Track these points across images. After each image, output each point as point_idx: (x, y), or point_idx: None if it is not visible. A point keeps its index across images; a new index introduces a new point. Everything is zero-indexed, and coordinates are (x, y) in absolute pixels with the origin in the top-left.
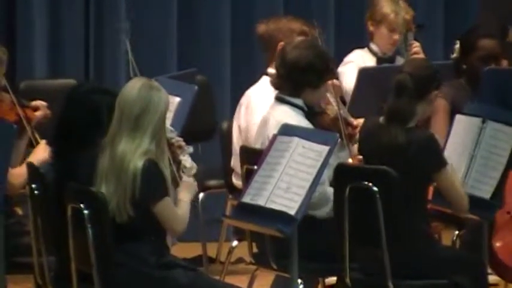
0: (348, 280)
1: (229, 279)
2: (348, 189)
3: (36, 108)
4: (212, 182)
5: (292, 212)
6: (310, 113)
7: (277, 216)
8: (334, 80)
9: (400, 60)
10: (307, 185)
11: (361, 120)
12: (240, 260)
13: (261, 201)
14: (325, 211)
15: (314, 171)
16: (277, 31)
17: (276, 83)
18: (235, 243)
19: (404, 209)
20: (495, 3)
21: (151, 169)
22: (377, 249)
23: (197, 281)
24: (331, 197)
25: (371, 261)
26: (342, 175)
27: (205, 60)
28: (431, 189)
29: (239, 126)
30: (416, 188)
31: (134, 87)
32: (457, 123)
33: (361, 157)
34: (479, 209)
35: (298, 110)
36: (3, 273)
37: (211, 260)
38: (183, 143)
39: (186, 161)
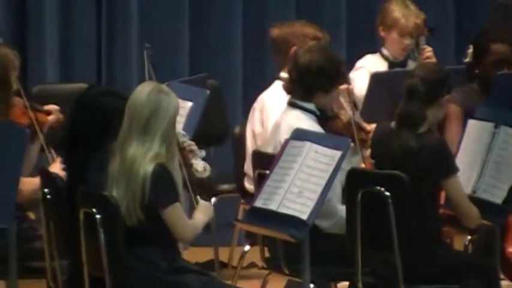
0: (360, 285)
1: (241, 284)
2: (360, 194)
3: (49, 113)
4: (224, 187)
5: (304, 217)
6: (322, 117)
7: (289, 221)
8: (348, 85)
9: (411, 65)
10: (320, 189)
11: (374, 126)
12: (252, 265)
13: (273, 206)
14: (329, 223)
15: (326, 176)
16: (290, 35)
17: (288, 87)
18: (247, 247)
19: (416, 213)
20: (506, 8)
21: (161, 174)
22: (389, 253)
23: (209, 286)
24: (340, 213)
25: (383, 266)
26: (354, 180)
27: (216, 65)
28: (443, 194)
29: (253, 131)
30: (428, 193)
31: (144, 91)
32: (469, 128)
33: (372, 160)
34: (491, 214)
35: (311, 115)
36: (16, 278)
37: (223, 265)
38: (195, 147)
39: (198, 165)
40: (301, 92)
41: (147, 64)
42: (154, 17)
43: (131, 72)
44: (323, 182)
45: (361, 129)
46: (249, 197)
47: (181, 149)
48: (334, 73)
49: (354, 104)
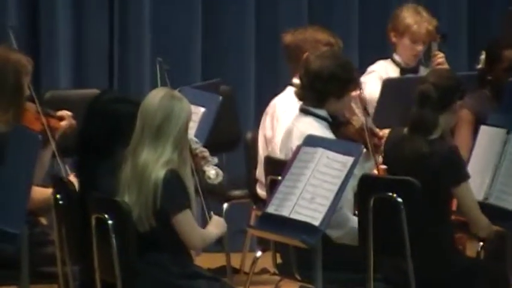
0: None
1: None
2: (372, 200)
3: (61, 118)
4: (236, 192)
5: (317, 223)
6: (334, 123)
7: (301, 227)
8: (360, 91)
9: (423, 71)
10: (332, 195)
11: (386, 131)
12: (264, 271)
13: (285, 212)
14: (339, 232)
15: (339, 182)
16: (303, 41)
17: (300, 94)
18: (259, 253)
19: (429, 219)
20: None
21: (173, 180)
22: (401, 259)
23: None
24: (351, 223)
25: (395, 272)
26: (367, 186)
27: (229, 70)
28: (455, 200)
29: (264, 136)
30: (440, 199)
31: (156, 97)
32: (481, 134)
33: (385, 166)
34: (503, 220)
35: (323, 122)
36: (28, 283)
37: (235, 271)
38: (207, 154)
39: (210, 171)
40: (313, 98)
41: (160, 77)
42: (167, 22)
43: (143, 77)
44: (335, 188)
45: (373, 134)
46: (261, 202)
47: (194, 156)
48: (346, 79)
49: (365, 110)
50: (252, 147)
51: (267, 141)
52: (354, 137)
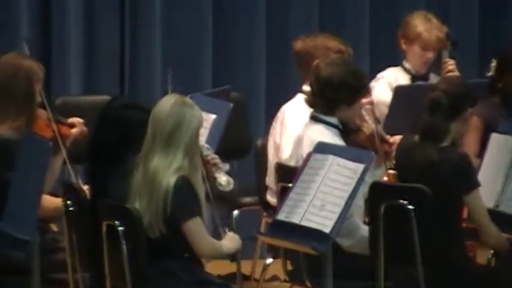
0: None
1: None
2: (383, 207)
3: (72, 125)
4: (247, 199)
5: (327, 230)
6: (345, 130)
7: (311, 234)
8: (370, 98)
9: (434, 78)
10: (342, 203)
11: (397, 138)
12: (274, 278)
13: (295, 219)
14: (350, 241)
15: (349, 189)
16: (314, 48)
17: (310, 101)
18: (269, 260)
19: (439, 227)
20: None
21: (184, 187)
22: (412, 267)
23: None
24: (362, 232)
25: (406, 280)
26: (377, 193)
27: (240, 77)
28: (466, 208)
29: (274, 143)
30: (451, 206)
31: (167, 103)
32: (492, 142)
33: (393, 171)
34: None
35: (333, 129)
36: None
37: (246, 278)
38: (218, 161)
39: (221, 178)
40: (323, 105)
41: (171, 90)
42: (178, 28)
43: (154, 84)
44: (346, 196)
45: (384, 141)
46: (271, 210)
47: (205, 162)
48: (356, 86)
49: (376, 116)
50: (262, 154)
51: (276, 148)
52: (364, 144)
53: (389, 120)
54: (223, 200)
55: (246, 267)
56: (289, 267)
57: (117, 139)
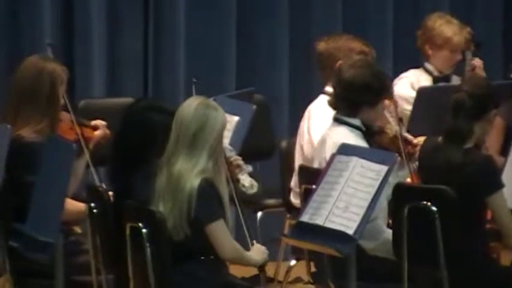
0: None
1: None
2: (406, 209)
3: (95, 128)
4: (270, 201)
5: (351, 232)
6: (368, 132)
7: (335, 236)
8: (393, 99)
9: (456, 79)
10: (366, 204)
11: (421, 139)
12: (298, 280)
13: (319, 221)
14: (373, 244)
15: (373, 191)
16: (336, 50)
17: (333, 103)
18: (293, 262)
19: (463, 228)
20: None
21: (207, 189)
22: (435, 269)
23: None
24: (385, 235)
25: (429, 281)
26: (401, 194)
27: (263, 79)
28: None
29: (301, 146)
30: (474, 208)
31: (191, 106)
32: None
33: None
34: None
35: (356, 131)
36: None
37: (270, 280)
38: (241, 162)
39: (245, 180)
40: (346, 107)
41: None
42: (201, 31)
43: (178, 86)
44: (369, 197)
45: (407, 142)
46: (295, 211)
47: (228, 164)
48: (379, 87)
49: (399, 118)
50: (286, 156)
51: (303, 147)
52: (387, 145)
53: (413, 122)
54: (247, 202)
55: (269, 269)
56: (313, 269)
57: (141, 141)
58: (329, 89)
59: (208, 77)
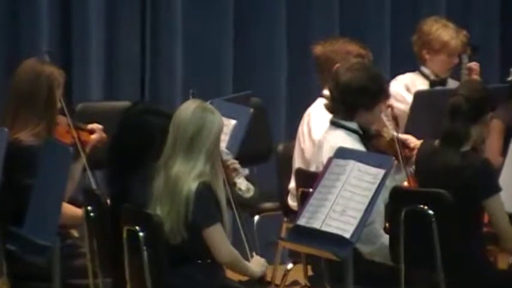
0: None
1: None
2: (403, 212)
3: (92, 132)
4: (267, 205)
5: (348, 235)
6: (365, 136)
7: (332, 239)
8: (389, 102)
9: (452, 83)
10: (363, 208)
11: (418, 142)
12: (295, 283)
13: (316, 224)
14: (370, 248)
15: (370, 195)
16: (333, 53)
17: (330, 107)
18: (290, 265)
19: (460, 232)
20: None
21: (205, 193)
22: (432, 272)
23: None
24: (382, 240)
25: (427, 285)
26: (398, 198)
27: (260, 83)
28: None
29: (300, 147)
30: (471, 211)
31: (188, 109)
32: None
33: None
34: None
35: (353, 134)
36: None
37: (267, 283)
38: (238, 166)
39: (241, 183)
40: (343, 110)
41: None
42: (199, 33)
43: (175, 88)
44: (366, 201)
45: (404, 146)
46: (292, 215)
47: (225, 167)
48: (376, 90)
49: (396, 121)
50: (283, 159)
51: (303, 150)
52: (384, 148)
53: (410, 125)
54: (244, 206)
55: (266, 272)
56: (310, 273)
57: (138, 144)
58: (327, 92)
59: (205, 79)
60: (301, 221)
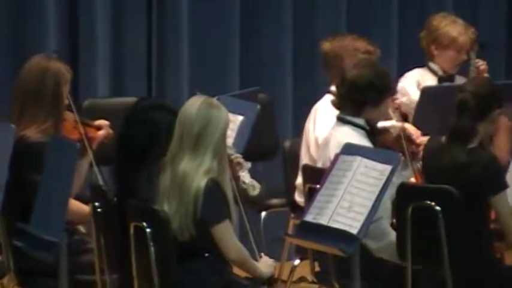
0: None
1: None
2: (410, 209)
3: (99, 128)
4: (274, 201)
5: (355, 231)
6: (372, 132)
7: (339, 235)
8: (395, 98)
9: (459, 79)
10: (370, 204)
11: (424, 138)
12: (302, 279)
13: (323, 220)
14: (378, 244)
15: (376, 191)
16: (341, 49)
17: (337, 103)
18: (297, 262)
19: (467, 228)
20: None
21: (214, 189)
22: (439, 268)
23: None
24: (390, 237)
25: (433, 281)
26: (405, 194)
27: (267, 79)
28: None
29: (306, 142)
30: (478, 208)
31: (194, 105)
32: None
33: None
34: None
35: (360, 130)
36: None
37: (273, 279)
38: (241, 160)
39: (245, 177)
40: (350, 107)
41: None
42: (205, 31)
43: (181, 85)
44: (373, 197)
45: (411, 142)
46: (299, 211)
47: (229, 162)
48: (383, 87)
49: (403, 117)
50: (290, 155)
51: (309, 146)
52: (391, 144)
53: (416, 121)
54: (250, 202)
55: (275, 273)
56: (317, 269)
57: (144, 139)
58: (334, 88)
59: (211, 78)
60: (308, 217)
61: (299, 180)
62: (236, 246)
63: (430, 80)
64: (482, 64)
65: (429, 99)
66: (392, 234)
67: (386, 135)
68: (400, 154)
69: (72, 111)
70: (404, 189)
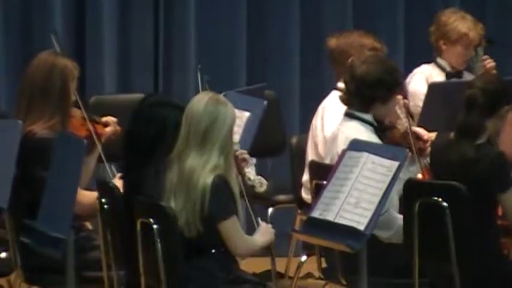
0: None
1: None
2: (417, 205)
3: (106, 124)
4: (281, 197)
5: (362, 228)
6: (379, 128)
7: (346, 232)
8: (402, 95)
9: (467, 75)
10: (377, 200)
11: (432, 134)
12: (309, 275)
13: (330, 217)
14: (388, 233)
15: (384, 187)
16: (348, 46)
17: (345, 99)
18: (304, 258)
19: (474, 224)
20: None
21: (221, 186)
22: (447, 264)
23: None
24: (399, 222)
25: (441, 277)
26: (412, 190)
27: (274, 75)
28: None
29: (315, 142)
30: (485, 204)
31: (201, 101)
32: None
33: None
34: None
35: (368, 126)
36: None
37: (280, 275)
38: (247, 156)
39: (250, 173)
40: (358, 103)
41: (201, 84)
42: (212, 27)
43: (188, 82)
44: (380, 193)
45: (418, 138)
46: (306, 207)
47: (235, 158)
48: (391, 83)
49: (409, 113)
50: (297, 152)
51: (317, 144)
52: (398, 141)
53: (424, 117)
54: (257, 198)
55: (280, 264)
56: (324, 265)
57: (151, 135)
58: (341, 84)
59: (218, 72)
60: (315, 213)
61: (305, 177)
62: (243, 242)
63: (438, 76)
64: (489, 62)
65: (437, 95)
66: (400, 218)
67: (394, 131)
68: (408, 150)
69: (79, 107)
70: (411, 185)
